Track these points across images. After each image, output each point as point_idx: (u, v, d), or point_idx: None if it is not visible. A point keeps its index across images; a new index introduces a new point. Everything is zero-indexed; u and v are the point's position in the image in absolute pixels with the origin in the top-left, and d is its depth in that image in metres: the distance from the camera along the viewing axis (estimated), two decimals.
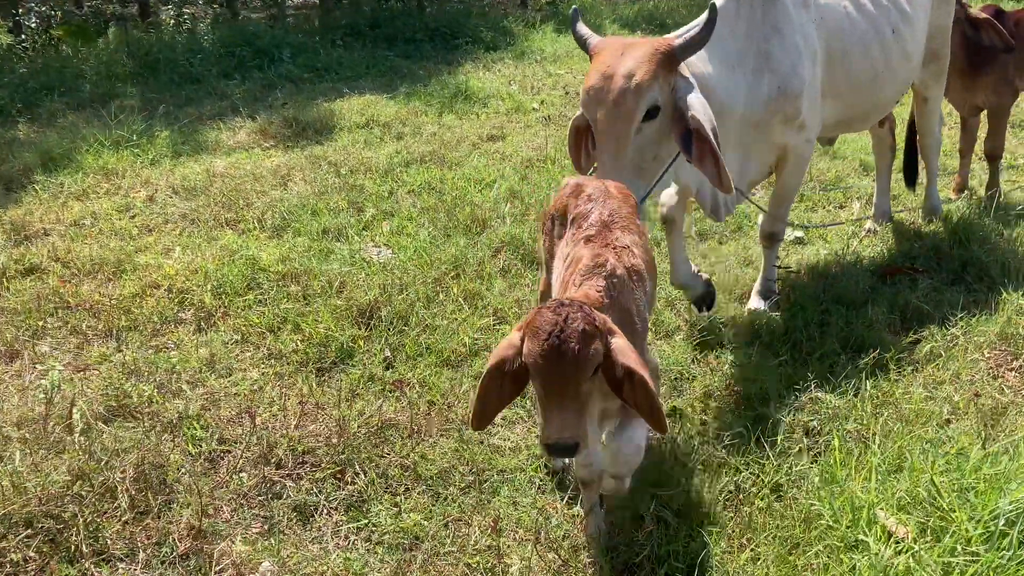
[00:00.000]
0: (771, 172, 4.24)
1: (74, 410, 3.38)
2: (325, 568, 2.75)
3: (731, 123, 3.74)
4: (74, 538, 2.78)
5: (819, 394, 3.59)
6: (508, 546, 2.84)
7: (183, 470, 3.15)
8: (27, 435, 3.23)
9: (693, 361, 3.99)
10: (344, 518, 3.02)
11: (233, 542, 2.81)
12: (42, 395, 3.52)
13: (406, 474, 3.22)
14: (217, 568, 2.71)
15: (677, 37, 3.42)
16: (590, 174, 3.53)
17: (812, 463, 3.14)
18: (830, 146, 6.02)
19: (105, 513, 2.91)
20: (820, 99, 4.10)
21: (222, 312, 4.35)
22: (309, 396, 3.64)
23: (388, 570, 2.78)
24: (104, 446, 3.17)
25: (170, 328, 4.26)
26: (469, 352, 4.01)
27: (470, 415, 2.40)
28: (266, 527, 2.95)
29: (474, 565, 2.78)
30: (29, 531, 2.78)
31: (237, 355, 4.01)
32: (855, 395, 3.56)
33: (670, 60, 3.31)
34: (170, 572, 2.71)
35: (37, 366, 3.89)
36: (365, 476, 3.19)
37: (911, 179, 5.82)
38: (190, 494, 2.99)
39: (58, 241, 5.19)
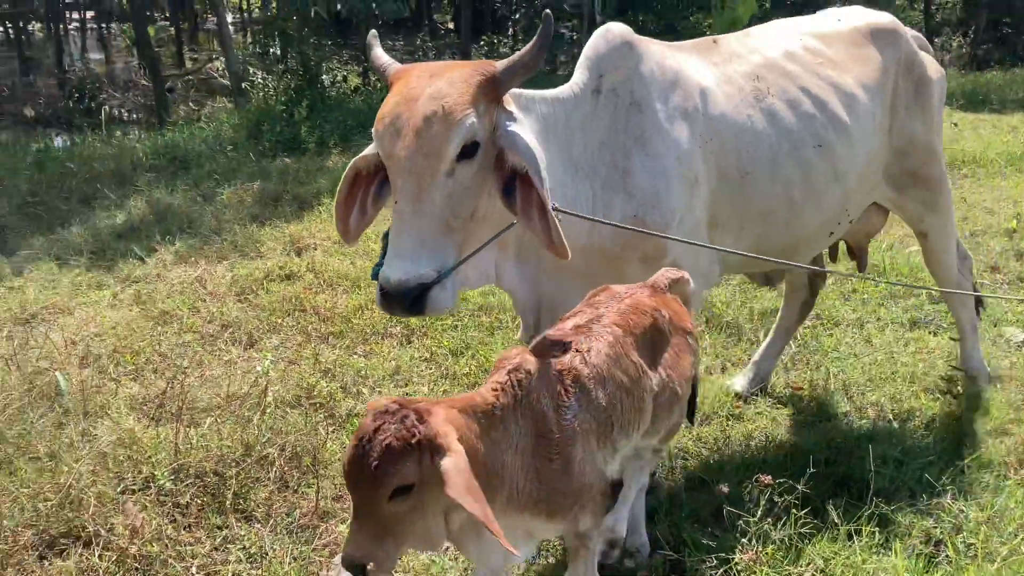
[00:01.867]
0: None
1: (268, 394, 4.02)
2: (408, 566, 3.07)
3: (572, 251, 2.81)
4: (228, 495, 3.35)
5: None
6: None
7: (333, 457, 3.65)
8: (226, 407, 3.90)
9: None
10: None
11: (338, 524, 3.23)
12: (252, 377, 4.22)
13: None
14: (319, 542, 3.14)
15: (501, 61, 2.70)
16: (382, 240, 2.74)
17: None
18: (770, 286, 4.39)
19: (258, 480, 3.46)
20: (706, 236, 3.24)
21: (423, 331, 4.88)
22: None
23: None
24: (276, 426, 3.75)
25: (376, 339, 4.85)
26: None
27: None
28: None
29: None
30: (198, 482, 3.39)
31: (419, 370, 4.50)
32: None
33: (492, 86, 2.58)
34: (286, 539, 3.18)
35: (265, 354, 4.63)
36: None
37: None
38: (325, 478, 3.47)
39: (319, 255, 6.06)
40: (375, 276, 2.55)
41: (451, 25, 26.39)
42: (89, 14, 23.46)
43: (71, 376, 4.17)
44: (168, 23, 22.99)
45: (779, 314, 4.50)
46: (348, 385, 4.28)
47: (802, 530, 2.85)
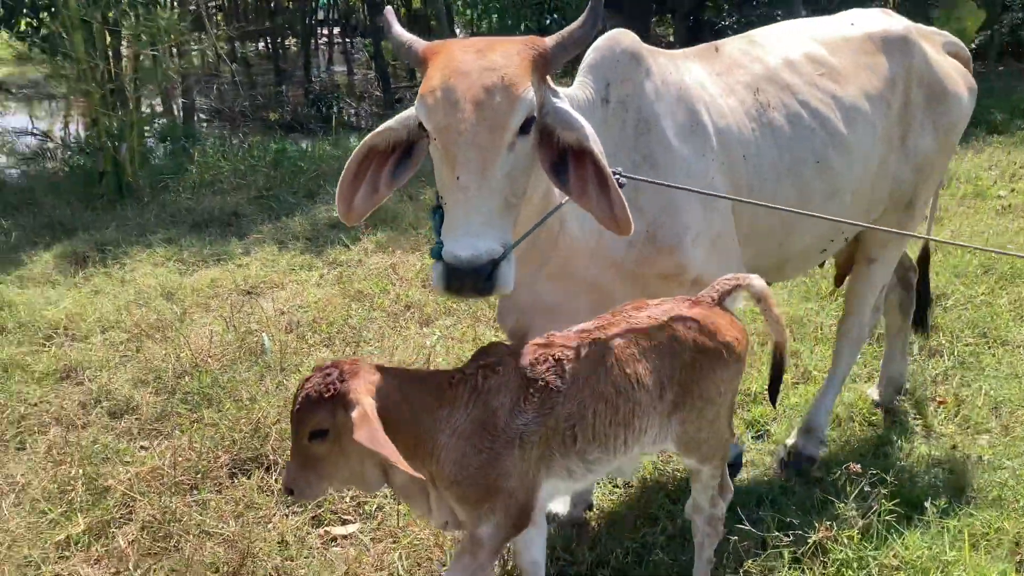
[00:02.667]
0: None
1: (431, 364, 4.54)
2: None
3: (579, 257, 2.87)
4: None
5: None
6: None
7: None
8: None
9: None
10: None
11: None
12: (421, 350, 4.77)
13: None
14: None
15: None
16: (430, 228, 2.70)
17: None
18: None
19: None
20: (738, 248, 3.15)
21: None
22: None
23: None
24: None
25: None
26: None
27: None
28: None
29: None
30: None
31: None
32: None
33: (543, 62, 2.47)
34: None
35: (435, 331, 5.18)
36: None
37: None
38: None
39: None
40: (436, 255, 2.36)
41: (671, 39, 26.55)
42: (336, 30, 25.62)
43: (275, 338, 4.92)
44: None
45: (885, 323, 4.44)
46: None
47: (888, 518, 2.98)
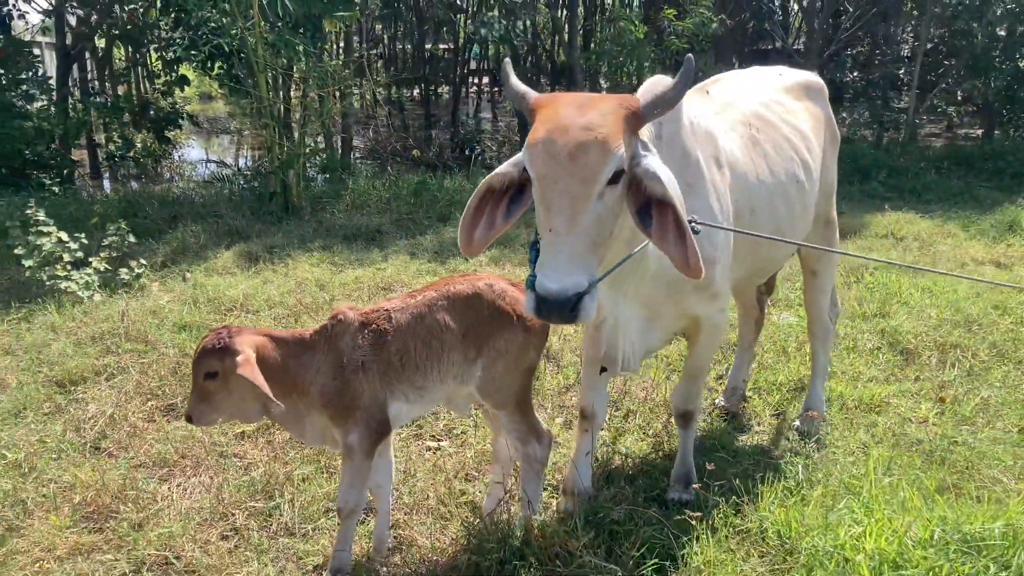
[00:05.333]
0: (670, 342, 3.87)
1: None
2: None
3: (643, 276, 3.27)
4: None
5: None
6: None
7: (549, 385, 5.20)
8: None
9: None
10: None
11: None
12: None
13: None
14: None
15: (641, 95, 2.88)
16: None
17: None
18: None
19: None
20: (732, 264, 3.62)
21: None
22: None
23: None
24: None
25: None
26: None
27: None
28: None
29: None
30: None
31: None
32: None
33: (635, 120, 2.77)
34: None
35: None
36: None
37: None
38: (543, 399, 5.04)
39: None
40: (531, 286, 2.65)
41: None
42: (485, 79, 27.40)
43: None
44: (551, 89, 26.20)
45: (739, 334, 5.21)
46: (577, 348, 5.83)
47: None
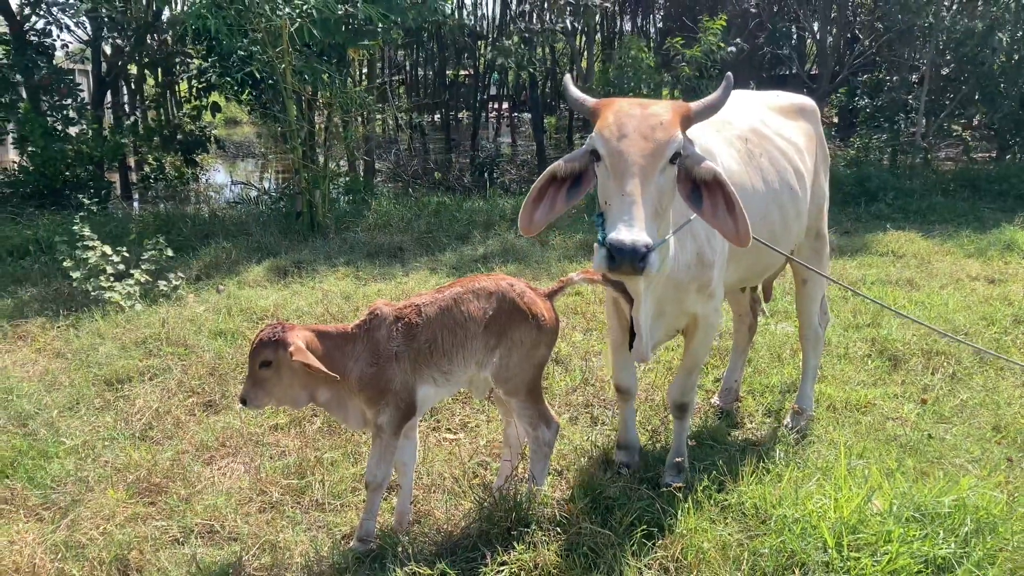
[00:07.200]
0: (672, 338, 4.21)
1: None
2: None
3: (657, 280, 3.58)
4: None
5: None
6: None
7: (557, 384, 5.61)
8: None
9: None
10: None
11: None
12: (577, 347, 6.33)
13: None
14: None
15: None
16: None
17: None
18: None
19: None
20: (726, 267, 4.00)
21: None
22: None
23: None
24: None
25: None
26: None
27: None
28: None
29: None
30: None
31: None
32: None
33: (687, 118, 3.28)
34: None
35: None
36: None
37: None
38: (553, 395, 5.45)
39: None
40: (602, 242, 3.04)
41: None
42: (505, 105, 27.97)
43: None
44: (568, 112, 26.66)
45: (734, 339, 5.56)
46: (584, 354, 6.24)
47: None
